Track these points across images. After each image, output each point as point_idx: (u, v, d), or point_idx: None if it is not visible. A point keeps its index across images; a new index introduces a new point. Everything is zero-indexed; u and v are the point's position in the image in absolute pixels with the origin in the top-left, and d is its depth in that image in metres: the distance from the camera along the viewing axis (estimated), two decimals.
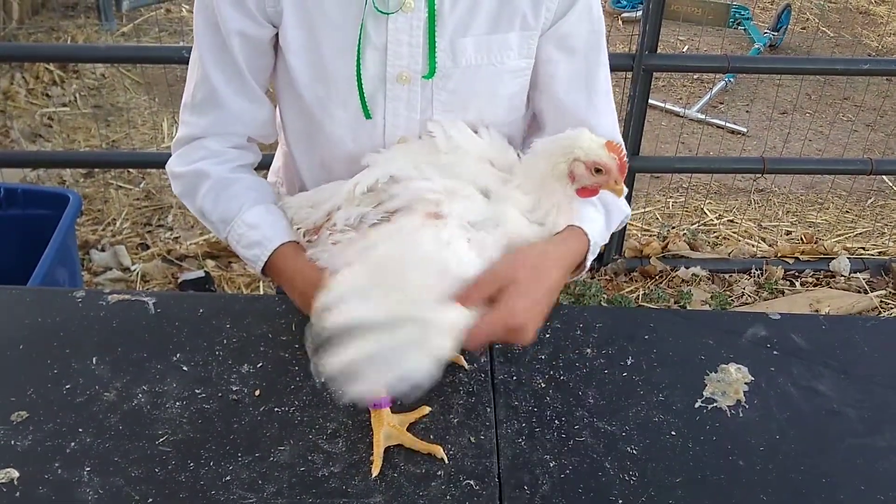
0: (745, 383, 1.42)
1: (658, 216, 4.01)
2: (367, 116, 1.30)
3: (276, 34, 1.31)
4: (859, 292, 3.56)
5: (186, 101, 1.37)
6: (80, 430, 1.26)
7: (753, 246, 3.83)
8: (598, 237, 1.32)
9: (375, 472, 1.21)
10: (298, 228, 1.34)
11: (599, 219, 1.35)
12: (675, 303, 3.42)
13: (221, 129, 1.37)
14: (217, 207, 1.36)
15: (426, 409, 1.32)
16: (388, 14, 1.24)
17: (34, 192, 2.69)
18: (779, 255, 3.71)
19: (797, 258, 3.70)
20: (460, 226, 1.15)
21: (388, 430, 1.25)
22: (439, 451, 1.24)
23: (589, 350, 1.46)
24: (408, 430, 1.28)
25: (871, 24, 6.64)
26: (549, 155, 1.21)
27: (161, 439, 1.25)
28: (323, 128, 1.34)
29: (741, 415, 1.36)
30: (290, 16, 1.26)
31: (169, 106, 4.58)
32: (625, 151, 1.21)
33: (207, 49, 1.31)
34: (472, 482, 1.20)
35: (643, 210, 4.03)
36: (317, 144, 1.38)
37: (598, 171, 1.19)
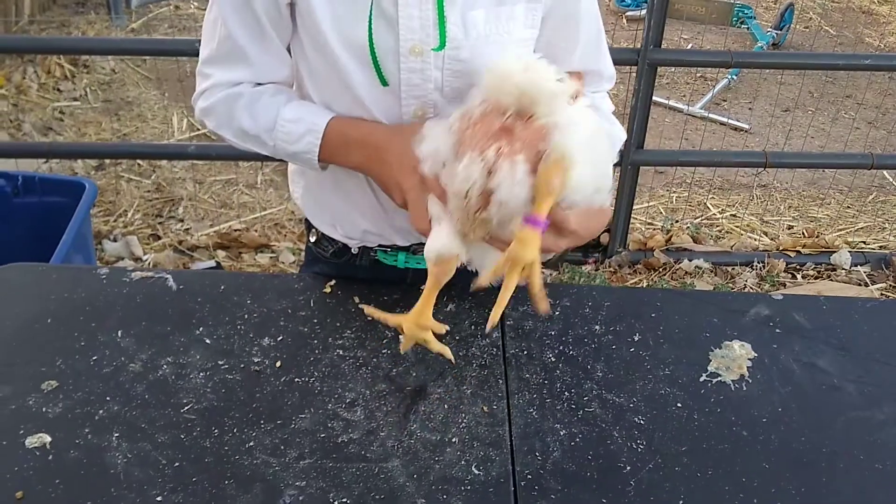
0: (749, 359, 1.47)
1: (662, 210, 4.06)
2: (384, 83, 1.34)
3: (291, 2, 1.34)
4: (860, 285, 3.60)
5: (209, 55, 1.39)
6: (108, 398, 1.31)
7: (756, 240, 3.88)
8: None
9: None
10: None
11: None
12: (689, 290, 3.47)
13: (250, 82, 1.41)
14: (257, 120, 1.39)
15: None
16: None
17: (51, 181, 2.75)
18: (780, 248, 3.76)
19: (799, 252, 3.75)
20: None
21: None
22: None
23: (597, 327, 1.51)
24: None
25: (873, 23, 6.69)
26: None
27: (186, 407, 1.30)
28: (348, 89, 1.37)
29: (744, 388, 1.41)
30: None
31: (179, 101, 4.63)
32: None
33: (231, 9, 1.34)
34: (485, 449, 1.25)
35: (647, 204, 4.08)
36: (341, 108, 1.41)
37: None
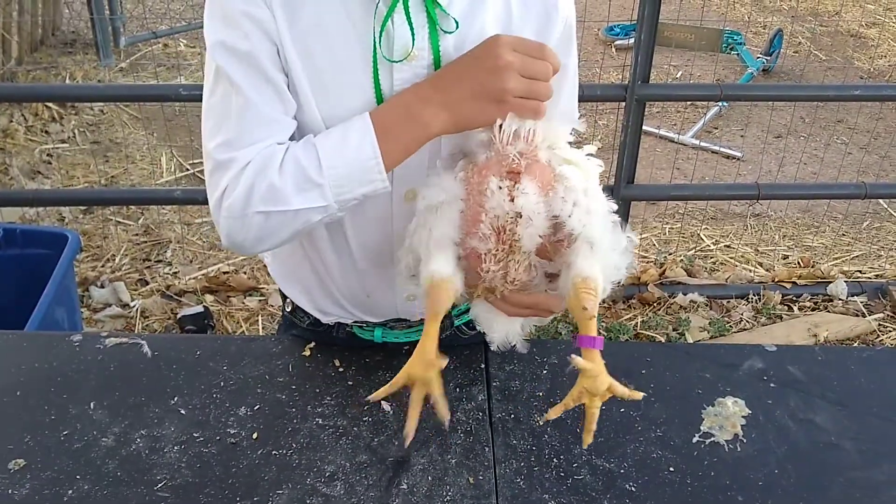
0: (743, 417, 1.43)
1: (655, 242, 4.02)
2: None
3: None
4: (857, 316, 3.56)
5: (228, 139, 1.19)
6: (78, 476, 1.26)
7: (750, 271, 3.84)
8: None
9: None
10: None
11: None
12: (674, 329, 3.43)
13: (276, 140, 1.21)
14: (299, 163, 1.17)
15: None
16: (393, 62, 1.19)
17: (33, 232, 2.70)
18: (776, 280, 3.72)
19: (794, 283, 3.71)
20: None
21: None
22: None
23: None
24: None
25: (862, 46, 6.70)
26: None
27: (159, 484, 1.25)
28: None
29: (739, 449, 1.36)
30: (297, 68, 1.19)
31: (167, 140, 4.61)
32: None
33: (249, 85, 1.18)
34: None
35: (640, 236, 4.04)
36: None
37: None
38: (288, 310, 1.59)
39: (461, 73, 1.17)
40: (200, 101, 1.24)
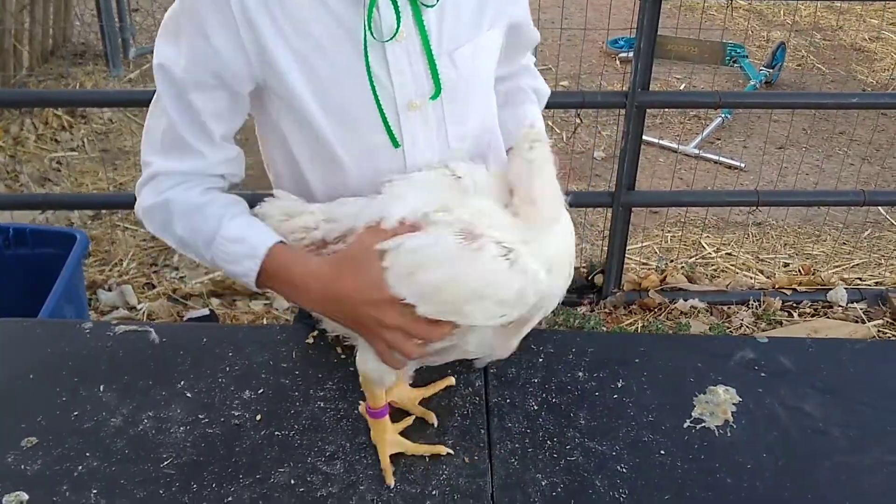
0: (733, 404, 1.46)
1: (656, 250, 4.06)
2: (396, 145, 1.30)
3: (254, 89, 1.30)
4: (857, 322, 3.59)
5: (153, 143, 1.33)
6: (87, 454, 1.30)
7: (751, 278, 3.87)
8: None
9: (391, 481, 1.26)
10: (301, 239, 1.29)
11: (538, 113, 1.56)
12: (674, 334, 3.46)
13: (197, 174, 1.34)
14: (195, 233, 1.32)
15: (411, 419, 1.38)
16: (383, 42, 1.24)
17: (42, 232, 2.76)
18: (776, 286, 3.76)
19: (795, 289, 3.74)
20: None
21: (393, 437, 1.31)
22: (443, 450, 1.31)
23: (581, 373, 1.51)
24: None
25: (865, 60, 6.74)
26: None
27: (165, 462, 1.29)
28: (343, 163, 1.31)
29: (729, 434, 1.40)
30: (284, 63, 1.24)
31: None
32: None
33: (172, 102, 1.28)
34: (465, 501, 1.24)
35: (641, 244, 4.08)
36: (332, 179, 1.35)
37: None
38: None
39: (339, 309, 1.24)
40: None
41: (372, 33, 1.23)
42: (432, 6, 1.27)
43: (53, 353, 1.51)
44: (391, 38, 1.24)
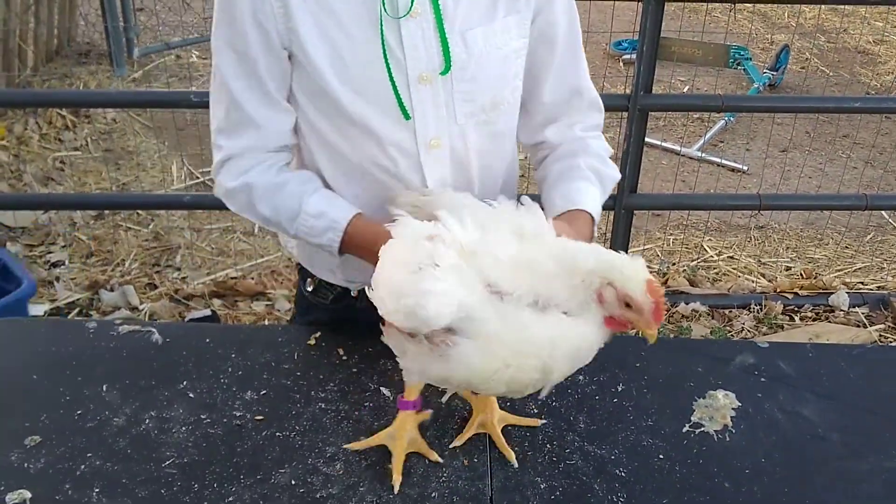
0: (733, 409, 1.47)
1: (658, 252, 4.06)
2: (407, 117, 1.37)
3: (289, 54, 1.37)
4: (858, 326, 3.59)
5: (220, 126, 1.43)
6: (90, 453, 1.31)
7: (753, 281, 3.87)
8: (598, 212, 1.45)
9: (398, 480, 1.27)
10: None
11: (596, 193, 1.47)
12: (675, 338, 3.46)
13: (260, 147, 1.43)
14: (279, 211, 1.43)
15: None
16: (398, 18, 1.32)
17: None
18: (778, 290, 3.76)
19: (796, 293, 3.74)
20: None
21: (413, 435, 1.32)
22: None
23: (581, 377, 1.51)
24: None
25: (869, 63, 6.75)
26: (586, 267, 1.13)
27: (167, 462, 1.30)
28: (361, 131, 1.39)
29: (728, 439, 1.40)
30: (306, 31, 1.32)
31: (177, 149, 4.68)
32: (664, 297, 1.13)
33: (234, 76, 1.37)
34: (464, 503, 1.25)
35: (643, 247, 4.09)
36: (350, 150, 1.42)
37: (628, 304, 1.12)
38: (310, 289, 1.65)
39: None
40: None
41: (385, 8, 1.30)
42: None
43: (57, 353, 1.52)
44: (405, 15, 1.31)
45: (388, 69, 1.33)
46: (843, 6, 6.95)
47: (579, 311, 1.14)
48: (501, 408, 1.40)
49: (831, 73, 6.47)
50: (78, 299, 3.51)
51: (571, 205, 1.42)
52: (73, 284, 3.61)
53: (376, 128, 1.38)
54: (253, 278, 3.70)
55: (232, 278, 3.69)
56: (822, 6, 7.06)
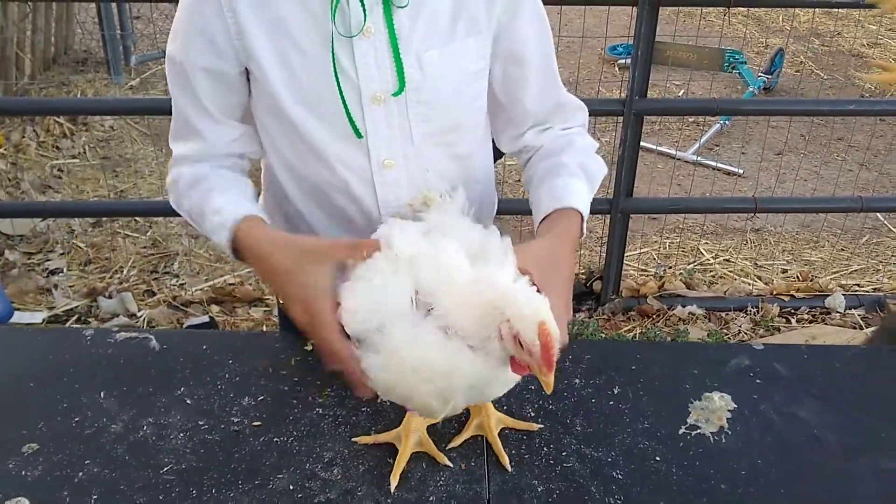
0: (728, 410, 1.47)
1: (655, 256, 4.08)
2: (359, 136, 1.37)
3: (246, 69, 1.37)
4: (854, 328, 3.60)
5: (172, 132, 1.47)
6: (88, 460, 1.31)
7: (749, 284, 3.88)
8: (587, 207, 1.42)
9: (395, 482, 1.27)
10: None
11: (584, 189, 1.45)
12: (672, 341, 3.47)
13: (207, 154, 1.45)
14: (195, 205, 1.42)
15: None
16: (350, 37, 1.31)
17: None
18: (774, 292, 3.77)
19: (793, 296, 3.76)
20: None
21: (422, 436, 1.33)
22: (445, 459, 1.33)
23: (577, 380, 1.52)
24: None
25: (864, 66, 6.77)
26: (485, 298, 1.09)
27: (165, 468, 1.30)
28: (313, 150, 1.40)
29: (724, 441, 1.41)
30: (260, 48, 1.32)
31: None
32: (556, 344, 1.06)
33: (176, 86, 1.40)
34: None
35: (639, 251, 4.10)
36: (304, 168, 1.44)
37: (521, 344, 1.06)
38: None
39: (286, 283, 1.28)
40: None
41: (337, 27, 1.30)
42: (404, 6, 1.32)
43: (54, 360, 1.52)
44: (357, 34, 1.31)
45: (339, 88, 1.33)
46: (836, 10, 6.98)
47: (481, 345, 1.10)
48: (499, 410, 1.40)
49: (826, 77, 6.49)
50: (76, 307, 3.52)
51: (559, 203, 1.41)
52: (72, 292, 3.61)
53: (328, 146, 1.38)
54: (251, 284, 3.71)
55: (230, 284, 3.70)
56: (817, 10, 7.10)
